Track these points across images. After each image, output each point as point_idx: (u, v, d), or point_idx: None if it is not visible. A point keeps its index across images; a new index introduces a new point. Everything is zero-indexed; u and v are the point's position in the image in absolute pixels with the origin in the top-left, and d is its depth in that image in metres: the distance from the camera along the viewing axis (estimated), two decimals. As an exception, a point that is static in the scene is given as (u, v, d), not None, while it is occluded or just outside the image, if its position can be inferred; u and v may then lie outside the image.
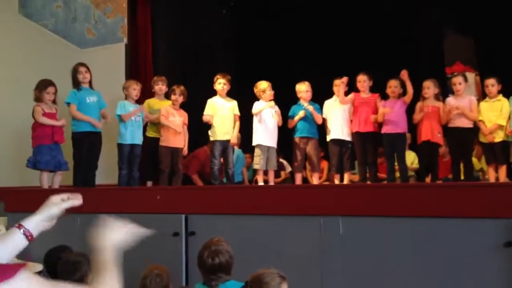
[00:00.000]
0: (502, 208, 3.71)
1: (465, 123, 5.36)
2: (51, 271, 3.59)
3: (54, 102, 5.77)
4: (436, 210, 3.91)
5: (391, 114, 5.52)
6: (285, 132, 5.88)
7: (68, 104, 5.70)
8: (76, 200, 1.92)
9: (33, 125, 5.71)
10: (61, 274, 3.30)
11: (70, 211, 1.91)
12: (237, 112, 5.90)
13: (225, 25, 8.62)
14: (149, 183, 6.07)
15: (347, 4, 7.73)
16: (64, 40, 7.61)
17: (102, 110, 5.87)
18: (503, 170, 5.27)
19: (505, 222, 3.66)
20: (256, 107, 5.72)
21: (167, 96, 6.18)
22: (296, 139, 5.80)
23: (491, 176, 5.38)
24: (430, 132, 5.41)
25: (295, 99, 5.92)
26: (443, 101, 5.55)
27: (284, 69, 7.37)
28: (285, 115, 5.87)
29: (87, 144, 5.73)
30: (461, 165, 5.49)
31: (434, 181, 5.47)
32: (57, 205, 1.88)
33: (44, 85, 5.69)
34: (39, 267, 4.20)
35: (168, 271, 3.54)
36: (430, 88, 5.50)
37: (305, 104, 5.79)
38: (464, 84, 5.52)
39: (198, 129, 6.21)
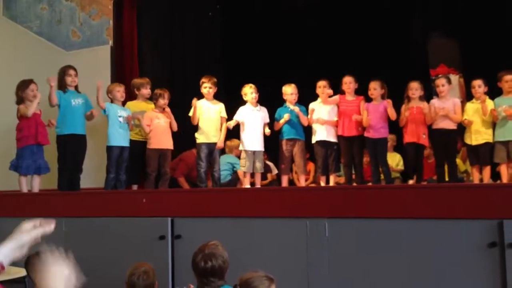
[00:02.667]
0: (486, 209, 3.75)
1: (449, 125, 5.41)
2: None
3: None
4: (421, 211, 3.94)
5: (373, 119, 5.56)
6: (271, 134, 5.88)
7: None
8: (48, 226, 1.84)
9: (18, 125, 5.64)
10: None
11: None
12: (224, 115, 5.90)
13: (212, 28, 8.61)
14: (134, 187, 6.04)
15: (334, 7, 7.76)
16: (49, 43, 7.56)
17: (89, 112, 5.83)
18: (487, 171, 5.32)
19: (490, 223, 3.70)
20: (237, 116, 5.74)
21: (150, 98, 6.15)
22: (283, 141, 5.80)
23: (475, 177, 5.43)
24: (415, 133, 5.46)
25: (281, 101, 5.92)
26: (427, 102, 5.60)
27: (271, 70, 7.38)
28: (272, 117, 5.88)
29: (72, 147, 5.69)
30: (446, 167, 5.53)
31: (419, 182, 5.51)
32: (29, 232, 1.82)
33: (25, 84, 5.63)
34: (24, 272, 4.16)
35: (153, 269, 3.53)
36: (417, 89, 5.54)
37: (291, 106, 5.80)
38: (448, 86, 5.57)
39: (185, 131, 6.19)
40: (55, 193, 5.69)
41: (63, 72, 5.77)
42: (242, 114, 5.74)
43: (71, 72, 5.77)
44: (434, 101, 5.54)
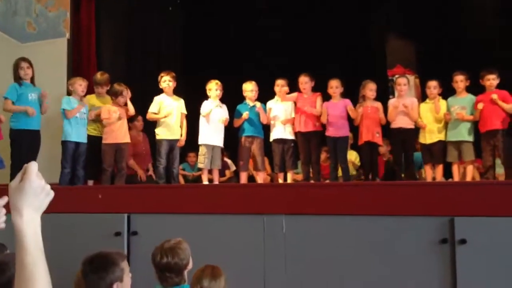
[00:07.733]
0: (438, 206, 3.87)
1: (407, 124, 5.53)
2: None
3: None
4: (376, 208, 4.02)
5: (334, 117, 5.62)
6: (230, 131, 5.89)
7: (5, 98, 5.52)
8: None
9: None
10: None
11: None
12: (184, 111, 5.88)
13: (172, 22, 8.55)
14: (90, 182, 5.92)
15: (293, 5, 7.82)
16: (4, 34, 7.34)
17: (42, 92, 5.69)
18: (439, 169, 5.47)
19: (441, 220, 3.82)
20: (204, 109, 5.71)
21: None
22: (242, 138, 5.81)
23: (428, 175, 5.56)
24: (370, 133, 5.55)
25: (242, 98, 5.93)
26: (381, 101, 5.70)
27: (232, 67, 7.38)
28: (232, 114, 5.88)
29: (26, 141, 5.56)
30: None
31: (374, 180, 5.61)
32: None
33: None
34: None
35: None
36: (372, 90, 5.63)
37: (251, 103, 5.81)
38: (408, 86, 5.69)
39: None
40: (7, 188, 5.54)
41: (16, 65, 5.64)
42: (207, 109, 5.72)
43: (23, 64, 5.63)
44: (393, 101, 5.65)
